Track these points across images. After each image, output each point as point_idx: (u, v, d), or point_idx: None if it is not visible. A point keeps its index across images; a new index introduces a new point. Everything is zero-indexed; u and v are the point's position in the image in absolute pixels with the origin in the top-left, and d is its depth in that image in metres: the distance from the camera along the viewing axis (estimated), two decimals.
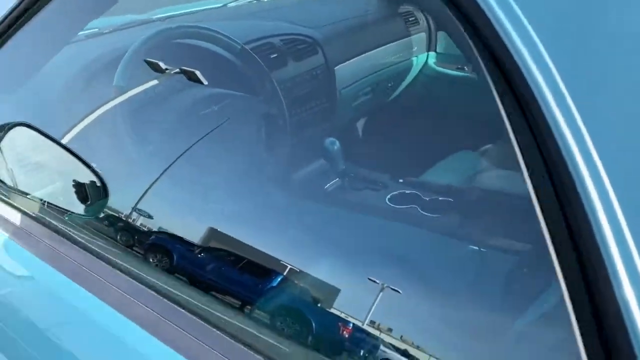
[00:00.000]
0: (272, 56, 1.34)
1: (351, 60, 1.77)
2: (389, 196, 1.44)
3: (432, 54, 2.15)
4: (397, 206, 1.39)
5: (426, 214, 1.34)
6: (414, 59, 2.08)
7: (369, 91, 1.96)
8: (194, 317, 0.86)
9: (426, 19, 2.12)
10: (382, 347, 1.03)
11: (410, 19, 2.06)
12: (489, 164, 1.38)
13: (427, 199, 1.40)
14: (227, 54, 1.40)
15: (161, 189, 1.09)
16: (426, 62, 2.15)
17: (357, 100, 1.90)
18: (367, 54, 1.84)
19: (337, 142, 1.49)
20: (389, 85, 2.07)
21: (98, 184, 0.91)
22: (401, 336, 1.00)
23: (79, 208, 0.95)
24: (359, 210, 1.43)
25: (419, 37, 2.08)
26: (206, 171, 1.13)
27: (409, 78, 2.16)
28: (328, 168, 1.58)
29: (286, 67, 1.40)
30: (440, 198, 1.39)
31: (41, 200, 1.01)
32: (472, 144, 2.06)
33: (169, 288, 0.88)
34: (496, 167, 1.84)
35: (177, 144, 1.03)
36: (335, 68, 1.68)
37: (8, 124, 1.00)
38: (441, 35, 2.13)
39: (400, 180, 1.57)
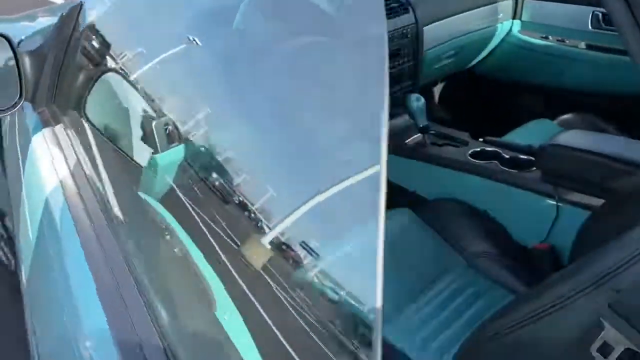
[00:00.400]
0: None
1: (438, 23, 1.82)
2: (470, 151, 1.52)
3: (517, 21, 2.17)
4: (478, 161, 1.47)
5: (505, 169, 1.42)
6: (499, 25, 2.11)
7: (452, 55, 2.01)
8: None
9: None
10: None
11: None
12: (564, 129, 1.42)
13: (507, 156, 1.47)
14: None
15: None
16: (510, 29, 2.17)
17: (439, 63, 1.96)
18: (454, 17, 1.89)
19: (422, 99, 1.57)
20: (472, 50, 2.11)
21: None
22: None
23: None
24: (439, 163, 1.52)
25: (506, 5, 2.10)
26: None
27: (492, 44, 2.19)
28: (410, 123, 1.67)
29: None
30: (520, 156, 1.45)
31: None
32: (550, 112, 2.09)
33: None
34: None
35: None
36: (425, 29, 1.74)
37: None
38: (527, 3, 2.14)
39: (480, 140, 1.64)
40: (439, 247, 1.37)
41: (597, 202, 1.23)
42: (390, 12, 1.65)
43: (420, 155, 1.56)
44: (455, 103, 2.36)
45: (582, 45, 2.02)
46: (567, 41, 2.05)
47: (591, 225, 1.16)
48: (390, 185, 1.47)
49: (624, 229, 1.03)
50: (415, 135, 1.65)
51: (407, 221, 1.42)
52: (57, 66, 1.09)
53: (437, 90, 2.35)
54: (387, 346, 1.12)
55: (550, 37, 2.09)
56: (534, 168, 1.39)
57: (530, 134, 1.86)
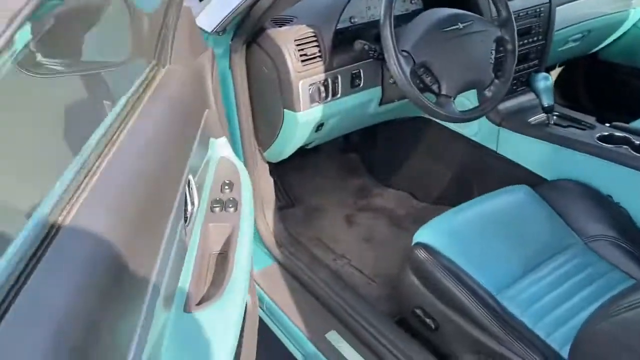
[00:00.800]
0: None
1: (571, 4, 1.79)
2: (597, 135, 1.50)
3: None
4: (607, 145, 1.45)
5: (637, 154, 1.39)
6: (632, 10, 2.03)
7: (579, 38, 1.97)
8: None
9: None
10: None
11: None
12: None
13: (639, 142, 1.44)
14: None
15: None
16: None
17: (565, 45, 1.93)
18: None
19: (550, 78, 1.56)
20: (600, 34, 2.05)
21: None
22: None
23: None
24: (562, 143, 1.51)
25: None
26: None
27: (622, 30, 2.11)
28: (535, 102, 1.67)
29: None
30: None
31: None
32: None
33: None
34: None
35: None
36: (557, 9, 1.72)
37: None
38: None
39: (607, 125, 1.61)
40: (556, 225, 1.38)
41: None
42: None
43: (543, 135, 1.56)
44: (575, 88, 2.30)
45: None
46: None
47: None
48: (508, 162, 1.49)
49: None
50: (539, 115, 1.64)
51: (525, 197, 1.44)
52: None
53: (555, 74, 2.30)
54: (502, 311, 1.17)
55: None
56: None
57: None
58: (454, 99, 1.31)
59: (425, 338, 1.27)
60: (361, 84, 1.42)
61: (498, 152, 1.68)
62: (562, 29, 1.81)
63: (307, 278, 1.47)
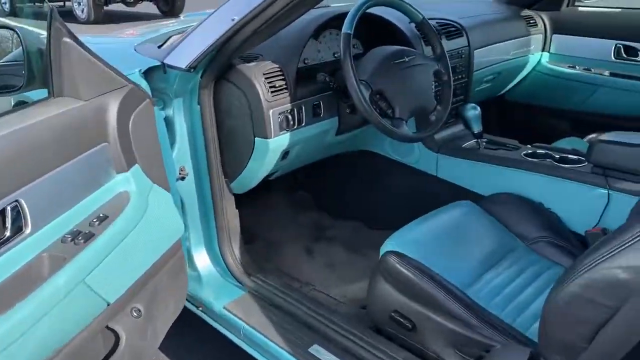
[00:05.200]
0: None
1: (484, 48, 2.08)
2: (523, 153, 1.73)
3: (545, 53, 2.45)
4: (532, 159, 1.68)
5: (558, 164, 1.63)
6: (530, 56, 2.38)
7: (491, 79, 2.26)
8: None
9: (543, 22, 2.42)
10: None
11: (530, 22, 2.36)
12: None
13: (558, 156, 1.69)
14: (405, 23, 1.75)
15: None
16: (540, 60, 2.44)
17: (480, 86, 2.21)
18: (496, 45, 2.15)
19: (478, 108, 1.80)
20: (507, 76, 2.38)
21: None
22: None
23: None
24: (495, 162, 1.73)
25: (536, 38, 2.38)
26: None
27: (524, 73, 2.45)
28: (465, 131, 1.89)
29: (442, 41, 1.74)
30: (570, 156, 1.67)
31: None
32: (577, 133, 2.33)
33: None
34: None
35: None
36: (475, 52, 2.00)
37: None
38: (555, 38, 2.42)
39: (528, 145, 1.86)
40: (501, 232, 1.56)
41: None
42: (449, 35, 1.90)
43: (477, 156, 1.77)
44: (488, 126, 2.60)
45: (606, 73, 2.29)
46: (592, 70, 2.32)
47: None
48: (448, 184, 1.68)
49: None
50: (471, 141, 1.86)
51: (470, 210, 1.61)
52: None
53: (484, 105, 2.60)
54: (472, 302, 1.30)
55: (577, 67, 2.36)
56: (585, 163, 1.60)
57: (571, 143, 2.08)
58: (407, 122, 1.48)
59: (405, 340, 1.36)
60: (322, 114, 1.56)
61: (438, 176, 1.87)
62: (478, 70, 2.09)
63: (281, 300, 1.52)
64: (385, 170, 2.00)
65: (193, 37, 1.37)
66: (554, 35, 2.43)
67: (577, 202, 1.57)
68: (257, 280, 1.60)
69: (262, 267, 1.69)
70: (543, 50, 2.45)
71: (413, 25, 1.79)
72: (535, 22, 2.39)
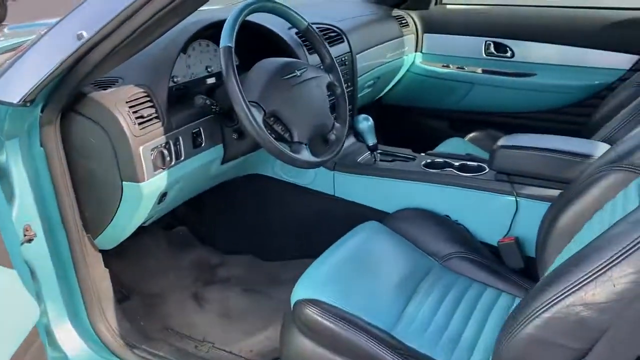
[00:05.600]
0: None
1: (364, 53, 1.96)
2: (422, 163, 1.63)
3: (418, 54, 2.40)
4: (433, 170, 1.58)
5: (460, 173, 1.54)
6: (405, 57, 2.31)
7: (371, 84, 2.16)
8: None
9: (414, 22, 2.37)
10: None
11: (402, 22, 2.30)
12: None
13: (457, 164, 1.61)
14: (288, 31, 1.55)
15: None
16: (414, 61, 2.40)
17: (361, 92, 2.09)
18: (374, 48, 2.04)
19: (370, 119, 1.66)
20: (385, 80, 2.29)
21: None
22: None
23: None
24: (395, 176, 1.60)
25: (409, 38, 2.32)
26: None
27: (399, 75, 2.39)
28: (359, 143, 1.75)
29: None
30: (469, 163, 1.60)
31: None
32: (456, 133, 2.33)
33: None
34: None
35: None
36: (357, 55, 1.86)
37: None
38: (427, 37, 2.38)
39: (422, 154, 1.77)
40: (412, 253, 1.44)
41: (552, 192, 1.39)
42: (331, 41, 1.74)
43: (375, 171, 1.64)
44: (382, 125, 2.51)
45: (479, 70, 2.30)
46: (465, 68, 2.32)
47: (552, 214, 1.31)
48: (348, 203, 1.52)
49: (581, 215, 1.19)
50: (366, 154, 1.73)
51: (377, 232, 1.47)
52: None
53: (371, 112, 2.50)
54: (401, 345, 1.15)
55: (450, 66, 2.35)
56: (487, 170, 1.53)
57: (449, 149, 2.04)
58: (307, 145, 1.28)
59: None
60: (203, 143, 1.31)
61: (336, 195, 1.71)
62: (360, 76, 1.96)
63: None
64: (277, 195, 1.78)
65: (26, 60, 1.03)
66: (425, 35, 2.39)
67: (484, 212, 1.50)
68: (142, 353, 1.30)
69: (146, 334, 1.39)
70: (416, 50, 2.40)
71: (293, 32, 1.60)
72: (407, 22, 2.33)
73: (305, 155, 1.26)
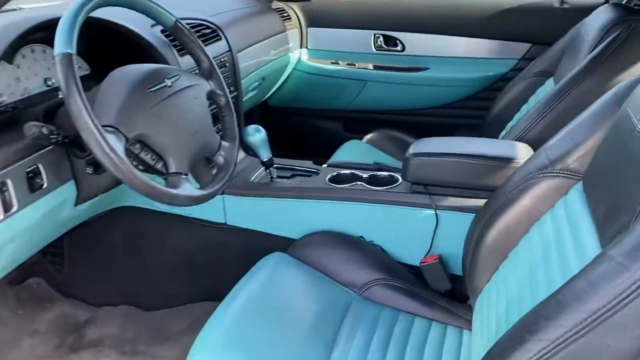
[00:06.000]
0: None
1: (247, 50, 1.69)
2: (327, 177, 1.41)
3: (304, 50, 2.18)
4: (341, 185, 1.36)
5: (372, 188, 1.34)
6: (290, 55, 2.08)
7: (257, 86, 1.90)
8: None
9: (297, 15, 2.14)
10: None
11: (284, 15, 2.06)
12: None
13: (366, 175, 1.41)
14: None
15: None
16: (300, 58, 2.17)
17: (247, 95, 1.83)
18: (257, 45, 1.78)
19: (263, 130, 1.41)
20: (271, 80, 2.04)
21: None
22: None
23: None
24: (298, 196, 1.37)
25: (293, 33, 2.09)
26: None
27: (285, 74, 2.15)
28: (251, 158, 1.49)
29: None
30: (378, 174, 1.41)
31: None
32: (352, 134, 2.15)
33: None
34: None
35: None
36: (239, 54, 1.59)
37: None
38: (311, 31, 2.17)
39: (325, 165, 1.55)
40: (327, 286, 1.22)
41: (476, 202, 1.24)
42: (206, 39, 1.45)
43: (273, 191, 1.39)
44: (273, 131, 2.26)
45: (370, 66, 2.13)
46: (356, 64, 2.14)
47: (478, 227, 1.15)
48: (244, 232, 1.26)
49: (514, 228, 1.05)
50: (260, 171, 1.47)
51: (282, 266, 1.23)
52: None
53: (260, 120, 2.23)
54: None
55: (340, 62, 2.15)
56: (400, 181, 1.35)
57: (351, 156, 1.85)
58: (188, 175, 1.00)
59: None
60: (44, 184, 0.97)
61: (228, 223, 1.43)
62: (244, 78, 1.70)
63: None
64: (154, 229, 1.47)
65: None
66: (310, 29, 2.18)
67: (402, 230, 1.32)
68: None
69: None
70: (301, 46, 2.18)
71: (158, 30, 1.29)
72: (289, 15, 2.09)
73: (187, 188, 0.97)
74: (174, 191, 0.94)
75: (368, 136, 2.03)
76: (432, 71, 2.05)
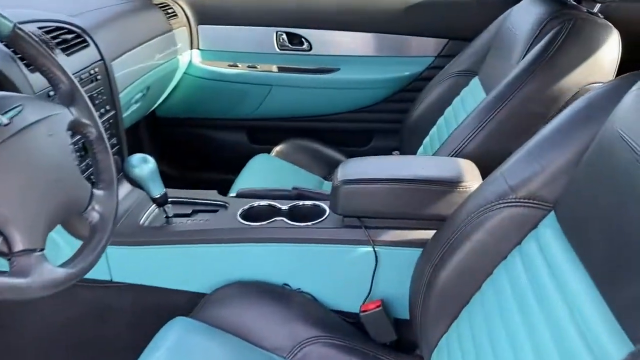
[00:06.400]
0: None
1: (124, 57, 1.37)
2: (239, 213, 1.15)
3: (195, 51, 1.88)
4: (257, 223, 1.11)
5: (295, 224, 1.10)
6: (179, 57, 1.77)
7: (141, 98, 1.58)
8: None
9: (184, 11, 1.84)
10: None
11: (168, 11, 1.74)
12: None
13: (285, 207, 1.16)
14: None
15: None
16: (191, 61, 1.87)
17: (129, 110, 1.51)
18: (138, 49, 1.46)
19: (151, 159, 1.12)
20: (158, 89, 1.72)
21: None
22: None
23: None
24: (204, 241, 1.10)
25: (181, 32, 1.79)
26: None
27: (176, 80, 1.84)
28: (140, 193, 1.19)
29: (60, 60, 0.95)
30: (300, 204, 1.17)
31: None
32: (259, 145, 1.90)
33: None
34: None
35: None
36: (113, 63, 1.27)
37: None
38: (202, 30, 1.87)
39: (232, 195, 1.29)
40: (247, 355, 0.97)
41: (422, 235, 1.04)
42: (68, 47, 1.12)
43: (170, 237, 1.10)
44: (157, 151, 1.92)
45: (275, 68, 1.88)
46: (258, 67, 1.88)
47: (428, 265, 0.96)
48: (137, 289, 0.98)
49: (473, 267, 0.87)
50: (151, 209, 1.17)
51: (190, 335, 0.97)
52: None
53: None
54: None
55: (239, 65, 1.88)
56: (327, 213, 1.12)
57: (261, 174, 1.61)
58: (44, 250, 0.70)
59: None
60: None
61: (114, 280, 1.13)
62: (122, 91, 1.38)
63: None
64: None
65: None
66: (201, 27, 1.88)
67: (335, 272, 1.09)
68: None
69: None
70: (192, 47, 1.88)
71: None
72: (174, 12, 1.78)
73: (44, 269, 0.67)
74: (22, 281, 0.64)
75: (277, 148, 1.79)
76: (343, 72, 1.84)
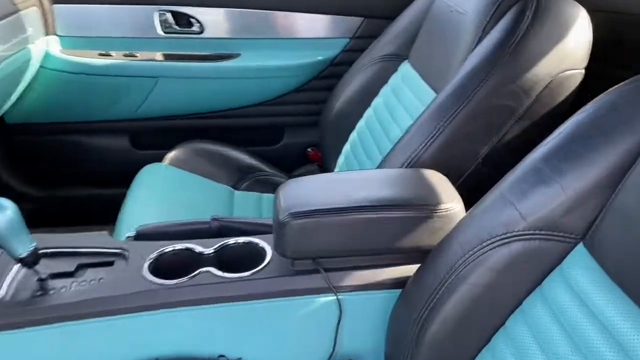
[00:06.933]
0: None
1: None
2: (147, 264, 0.84)
3: (52, 38, 1.47)
4: (169, 281, 0.81)
5: (228, 275, 0.82)
6: (31, 46, 1.37)
7: None
8: None
9: None
10: None
11: None
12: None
13: (207, 252, 0.88)
14: None
15: None
16: (47, 51, 1.46)
17: None
18: None
19: (9, 202, 0.77)
20: (5, 88, 1.31)
21: None
22: None
23: None
24: (109, 312, 0.78)
25: (30, 15, 1.37)
26: None
27: (28, 75, 1.42)
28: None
29: None
30: (223, 243, 0.89)
31: None
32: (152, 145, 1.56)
33: None
34: None
35: None
36: None
37: None
38: (59, 10, 1.46)
39: (129, 236, 0.97)
40: None
41: (392, 273, 0.82)
42: None
43: (53, 314, 0.77)
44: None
45: (159, 56, 1.53)
46: (138, 54, 1.52)
47: (414, 313, 0.75)
48: None
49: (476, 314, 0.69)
50: (13, 272, 0.83)
51: None
52: None
53: None
54: None
55: (113, 54, 1.50)
56: (270, 256, 0.86)
57: (156, 192, 1.30)
58: None
59: None
60: None
61: None
62: None
63: None
64: None
65: None
66: (56, 6, 1.47)
67: (286, 332, 0.84)
68: None
69: None
70: (47, 33, 1.47)
71: None
72: None
73: None
74: None
75: (171, 154, 1.47)
76: (244, 58, 1.56)
